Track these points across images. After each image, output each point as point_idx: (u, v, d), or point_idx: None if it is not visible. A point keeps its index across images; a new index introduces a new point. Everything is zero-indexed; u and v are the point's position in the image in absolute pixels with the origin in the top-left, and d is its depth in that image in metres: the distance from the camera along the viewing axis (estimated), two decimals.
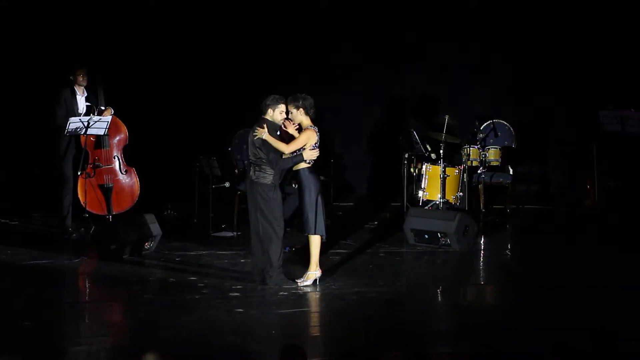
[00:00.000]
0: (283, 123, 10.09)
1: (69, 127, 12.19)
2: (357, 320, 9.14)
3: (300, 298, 9.83)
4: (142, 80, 14.22)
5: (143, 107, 13.84)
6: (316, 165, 10.12)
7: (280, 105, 10.06)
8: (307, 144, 10.02)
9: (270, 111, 10.06)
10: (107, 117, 12.40)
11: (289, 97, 10.15)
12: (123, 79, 13.75)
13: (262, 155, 9.95)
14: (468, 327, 9.00)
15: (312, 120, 10.16)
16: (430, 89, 15.10)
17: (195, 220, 13.23)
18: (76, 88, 12.56)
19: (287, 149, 9.98)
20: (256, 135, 9.93)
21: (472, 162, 13.62)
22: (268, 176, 9.98)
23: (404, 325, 9.02)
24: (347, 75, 15.11)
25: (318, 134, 10.11)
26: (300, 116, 10.14)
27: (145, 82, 14.24)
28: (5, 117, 13.83)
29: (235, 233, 12.57)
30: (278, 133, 10.06)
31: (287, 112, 10.11)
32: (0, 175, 13.80)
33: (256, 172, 10.02)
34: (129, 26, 14.27)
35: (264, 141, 9.92)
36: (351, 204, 14.93)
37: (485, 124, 14.09)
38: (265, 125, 9.94)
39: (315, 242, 10.12)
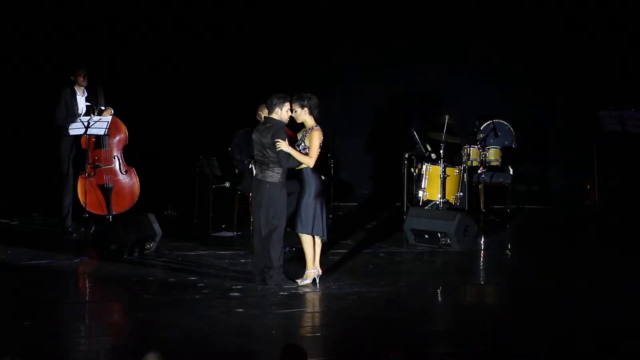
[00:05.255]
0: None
1: (71, 133, 12.23)
2: (357, 320, 9.14)
3: (300, 298, 9.83)
4: (142, 80, 14.21)
5: (143, 107, 13.84)
6: (317, 165, 10.11)
7: (286, 104, 10.06)
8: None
9: (277, 110, 10.04)
10: (107, 117, 12.40)
11: (294, 96, 10.13)
12: (123, 79, 13.75)
13: (271, 154, 9.94)
14: (468, 327, 9.00)
15: (315, 120, 10.15)
16: (430, 89, 15.11)
17: (195, 220, 13.22)
18: (76, 88, 12.56)
19: (310, 161, 9.96)
20: (278, 147, 9.89)
21: (472, 162, 13.62)
22: (276, 175, 9.97)
23: (404, 325, 9.01)
24: (347, 75, 15.11)
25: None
26: (304, 115, 10.13)
27: (145, 82, 14.23)
28: (5, 117, 13.83)
29: (235, 233, 12.57)
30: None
31: (291, 110, 10.12)
32: (0, 175, 13.80)
33: (263, 171, 10.01)
34: (129, 26, 14.27)
35: (274, 140, 9.89)
36: (351, 203, 14.93)
37: (485, 124, 14.09)
38: (286, 139, 9.91)
39: (307, 241, 10.10)
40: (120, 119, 12.78)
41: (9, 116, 13.84)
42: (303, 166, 10.05)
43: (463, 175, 13.27)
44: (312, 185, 10.05)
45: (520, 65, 14.88)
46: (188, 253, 11.62)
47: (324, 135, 10.14)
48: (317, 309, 9.69)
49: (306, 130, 10.12)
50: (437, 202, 13.01)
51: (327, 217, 10.29)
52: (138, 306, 9.52)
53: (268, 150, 9.94)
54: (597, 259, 11.55)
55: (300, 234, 10.12)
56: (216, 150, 13.14)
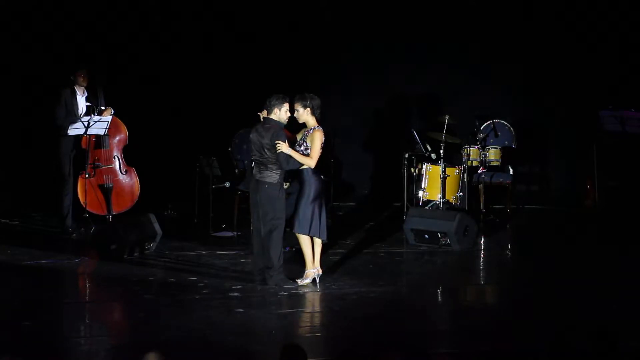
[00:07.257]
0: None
1: (71, 133, 12.24)
2: (357, 320, 9.14)
3: (300, 298, 9.83)
4: (142, 80, 14.21)
5: (143, 107, 13.84)
6: (318, 166, 10.10)
7: (285, 104, 10.04)
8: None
9: (276, 110, 10.02)
10: (107, 117, 12.41)
11: (297, 96, 10.12)
12: (123, 79, 13.75)
13: (270, 155, 9.93)
14: (468, 327, 9.00)
15: (317, 120, 10.14)
16: (430, 89, 15.11)
17: (195, 220, 13.23)
18: (76, 88, 12.56)
19: (312, 161, 9.96)
20: (279, 149, 9.88)
21: (472, 162, 13.63)
22: (274, 175, 9.96)
23: (404, 325, 9.02)
24: (347, 75, 15.11)
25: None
26: (306, 116, 10.11)
27: (146, 82, 14.23)
28: (5, 117, 13.83)
29: (235, 233, 12.58)
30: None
31: (292, 111, 10.10)
32: (0, 175, 13.80)
33: (262, 172, 10.00)
34: (129, 26, 14.27)
35: (274, 142, 9.88)
36: (351, 204, 14.93)
37: (485, 124, 14.10)
38: (286, 141, 9.89)
39: (305, 241, 10.10)
40: (120, 119, 12.79)
41: (9, 116, 13.83)
42: (304, 167, 10.05)
43: (463, 175, 13.27)
44: (311, 186, 10.04)
45: (520, 65, 14.88)
46: (188, 253, 11.62)
47: (326, 135, 10.14)
48: (317, 309, 9.69)
49: (307, 131, 10.11)
50: (437, 202, 13.01)
51: (327, 218, 10.27)
52: (138, 306, 9.52)
53: (267, 151, 9.93)
54: (597, 259, 11.55)
55: (297, 234, 10.12)
56: (216, 150, 13.15)
